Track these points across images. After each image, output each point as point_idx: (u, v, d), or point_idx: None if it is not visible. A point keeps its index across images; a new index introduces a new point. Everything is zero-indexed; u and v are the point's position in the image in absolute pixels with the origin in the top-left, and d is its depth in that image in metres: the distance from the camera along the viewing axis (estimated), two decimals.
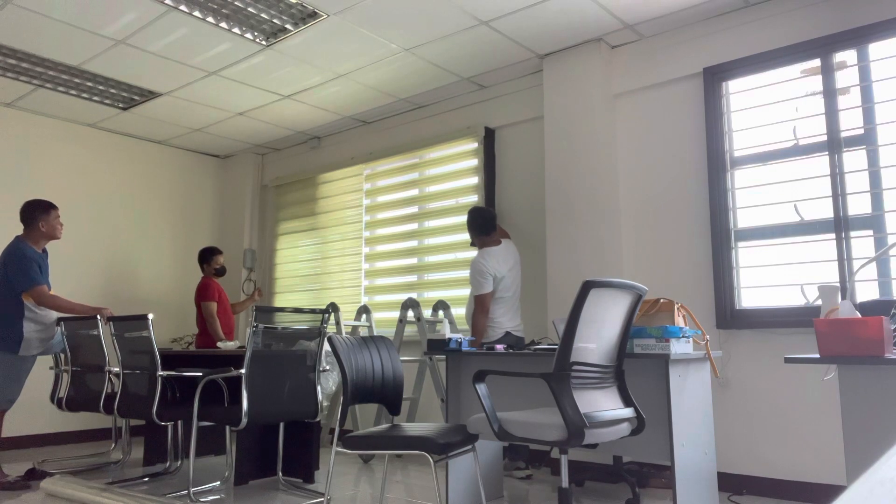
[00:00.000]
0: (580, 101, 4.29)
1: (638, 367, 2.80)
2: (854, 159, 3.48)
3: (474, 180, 5.00)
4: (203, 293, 5.27)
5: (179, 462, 4.36)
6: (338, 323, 5.05)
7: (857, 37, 3.47)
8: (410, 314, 4.75)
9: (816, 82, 3.63)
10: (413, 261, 5.34)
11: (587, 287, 2.25)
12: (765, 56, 3.75)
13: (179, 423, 4.41)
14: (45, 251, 4.10)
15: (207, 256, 5.43)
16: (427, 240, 5.26)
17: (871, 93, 3.46)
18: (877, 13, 3.42)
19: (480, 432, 2.56)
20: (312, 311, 3.61)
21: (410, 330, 4.97)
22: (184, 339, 6.19)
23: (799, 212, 3.61)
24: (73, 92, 5.12)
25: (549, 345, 3.18)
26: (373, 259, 5.66)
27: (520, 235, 4.71)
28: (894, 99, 3.38)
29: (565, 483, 2.38)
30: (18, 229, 4.17)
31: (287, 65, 4.62)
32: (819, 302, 3.13)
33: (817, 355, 2.05)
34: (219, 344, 4.37)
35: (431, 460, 2.51)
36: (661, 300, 2.87)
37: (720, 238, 3.83)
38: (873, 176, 3.41)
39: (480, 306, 4.01)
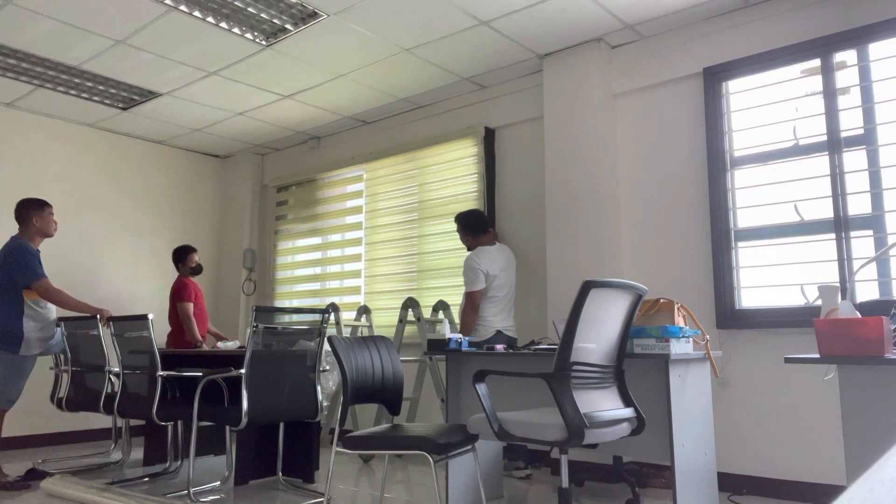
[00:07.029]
0: (580, 101, 4.29)
1: (638, 367, 2.80)
2: (854, 159, 3.48)
3: (474, 180, 5.00)
4: (180, 293, 5.15)
5: (179, 462, 4.36)
6: (338, 323, 5.05)
7: (857, 37, 3.47)
8: (410, 314, 4.75)
9: (816, 82, 3.63)
10: (413, 260, 5.34)
11: (587, 287, 2.25)
12: (765, 56, 3.75)
13: (179, 423, 4.40)
14: (38, 250, 4.09)
15: (182, 255, 5.28)
16: (427, 239, 5.26)
17: (871, 93, 3.46)
18: (877, 13, 3.42)
19: (480, 432, 2.56)
20: (312, 311, 3.61)
21: (410, 330, 4.97)
22: None
23: (799, 212, 3.61)
24: (72, 92, 5.12)
25: (549, 345, 3.18)
26: (373, 258, 5.66)
27: (520, 235, 4.71)
28: (894, 99, 3.38)
29: (565, 483, 2.38)
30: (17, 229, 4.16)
31: (287, 65, 4.62)
32: (819, 302, 3.13)
33: (817, 355, 2.05)
34: (219, 344, 4.37)
35: (431, 460, 2.51)
36: (661, 300, 2.87)
37: (720, 238, 3.83)
38: (873, 176, 3.41)
39: (470, 303, 4.04)
